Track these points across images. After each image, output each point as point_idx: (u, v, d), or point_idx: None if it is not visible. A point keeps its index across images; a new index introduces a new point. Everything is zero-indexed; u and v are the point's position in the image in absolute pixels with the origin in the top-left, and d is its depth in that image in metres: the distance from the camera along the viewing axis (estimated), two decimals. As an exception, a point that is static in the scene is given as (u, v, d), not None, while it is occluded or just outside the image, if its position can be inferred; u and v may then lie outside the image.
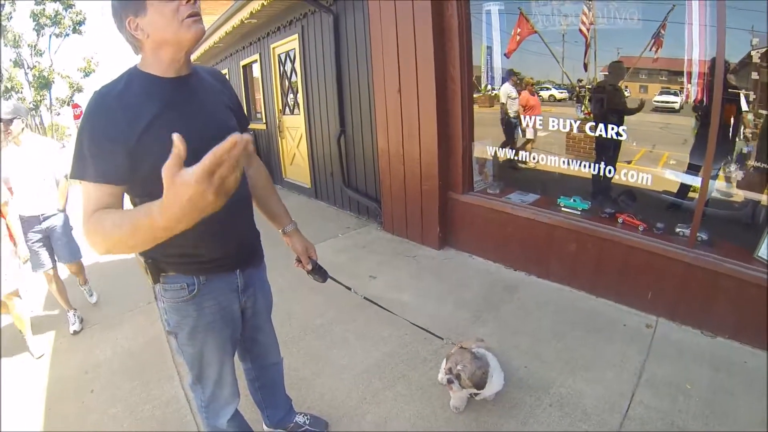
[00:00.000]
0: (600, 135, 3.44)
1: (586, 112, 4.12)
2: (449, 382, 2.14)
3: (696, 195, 3.08)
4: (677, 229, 3.16)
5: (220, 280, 1.48)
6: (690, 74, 3.38)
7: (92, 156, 1.17)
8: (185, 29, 1.22)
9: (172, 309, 1.44)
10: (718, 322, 2.87)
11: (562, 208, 3.72)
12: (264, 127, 8.12)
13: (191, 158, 1.20)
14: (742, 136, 3.35)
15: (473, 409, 2.32)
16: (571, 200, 3.69)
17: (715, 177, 3.28)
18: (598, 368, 2.61)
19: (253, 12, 6.16)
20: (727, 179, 3.37)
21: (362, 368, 2.69)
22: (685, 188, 3.51)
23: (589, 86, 4.18)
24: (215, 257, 1.43)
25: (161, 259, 1.38)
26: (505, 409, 2.32)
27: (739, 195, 3.37)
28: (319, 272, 1.85)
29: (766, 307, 2.56)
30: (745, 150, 3.35)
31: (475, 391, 2.16)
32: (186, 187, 0.86)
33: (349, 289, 2.05)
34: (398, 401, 2.41)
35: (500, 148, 4.15)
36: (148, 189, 1.24)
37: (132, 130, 1.18)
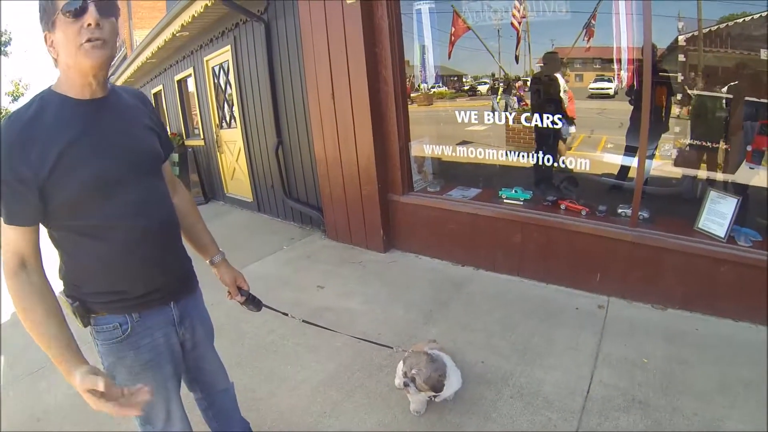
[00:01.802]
0: (537, 125, 3.47)
1: (523, 104, 4.18)
2: (405, 385, 2.08)
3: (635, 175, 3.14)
4: (619, 210, 3.22)
5: (155, 315, 1.39)
6: (620, 61, 3.48)
7: (1, 194, 1.11)
8: (82, 55, 1.12)
9: (107, 351, 1.34)
10: (667, 294, 2.94)
11: (505, 200, 3.72)
12: (202, 143, 7.83)
13: (110, 187, 1.23)
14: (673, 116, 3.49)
15: (435, 410, 2.25)
16: (513, 191, 3.71)
17: (652, 157, 3.37)
18: (555, 354, 2.60)
19: (184, 24, 5.94)
20: (663, 157, 3.48)
21: (318, 381, 2.57)
22: (624, 170, 3.60)
23: (502, 79, 4.33)
24: (146, 292, 1.34)
25: (89, 300, 1.29)
26: (467, 406, 2.27)
27: (676, 172, 3.49)
28: (252, 302, 1.78)
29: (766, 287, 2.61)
30: (678, 129, 3.48)
31: (433, 393, 2.10)
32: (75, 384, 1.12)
33: (286, 314, 1.95)
34: (358, 411, 2.32)
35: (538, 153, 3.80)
36: (62, 222, 1.21)
37: (42, 164, 1.11)
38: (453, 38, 4.01)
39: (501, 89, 4.36)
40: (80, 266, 1.28)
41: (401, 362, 2.34)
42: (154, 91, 9.80)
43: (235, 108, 6.40)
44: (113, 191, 1.22)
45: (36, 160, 1.10)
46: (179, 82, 8.35)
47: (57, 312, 1.18)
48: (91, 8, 1.11)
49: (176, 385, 1.50)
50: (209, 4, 5.16)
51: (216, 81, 6.92)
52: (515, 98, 4.29)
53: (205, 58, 6.86)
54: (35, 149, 1.10)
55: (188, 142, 8.38)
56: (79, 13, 1.10)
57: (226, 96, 6.79)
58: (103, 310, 1.30)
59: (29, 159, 1.09)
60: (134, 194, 1.27)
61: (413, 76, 4.39)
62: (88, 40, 1.12)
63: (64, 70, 1.18)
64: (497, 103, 4.31)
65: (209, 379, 1.75)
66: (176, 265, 1.46)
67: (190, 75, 7.61)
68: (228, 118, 6.93)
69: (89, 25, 1.11)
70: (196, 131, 8.19)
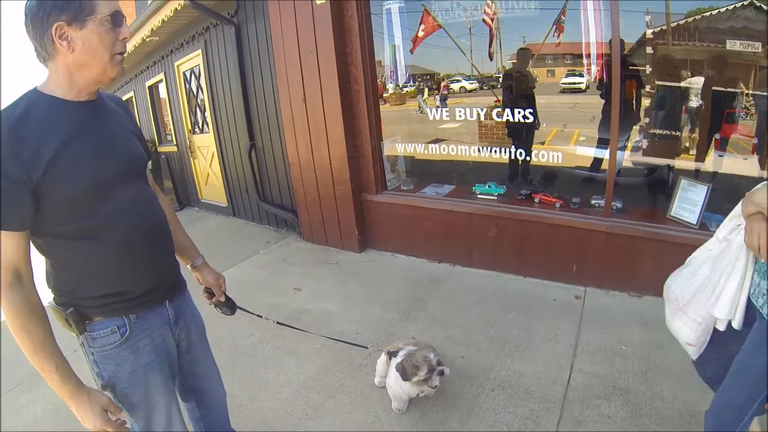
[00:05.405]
0: (509, 120, 3.48)
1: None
2: (441, 374, 2.05)
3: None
4: (593, 201, 3.26)
5: (152, 315, 1.35)
6: (589, 56, 3.52)
7: None
8: (112, 65, 1.15)
9: (105, 358, 1.27)
10: (643, 281, 2.97)
11: (479, 196, 3.73)
12: (175, 149, 7.69)
13: (107, 188, 1.21)
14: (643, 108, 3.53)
15: (417, 407, 2.24)
16: (486, 186, 3.71)
17: (623, 148, 3.42)
18: (535, 346, 2.61)
19: (154, 29, 5.84)
20: (634, 148, 3.53)
21: (299, 384, 2.54)
22: (597, 162, 3.64)
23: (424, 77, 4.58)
24: (143, 292, 1.30)
25: (85, 305, 1.22)
26: (449, 401, 2.26)
27: (647, 162, 3.54)
28: (227, 304, 1.78)
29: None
30: (647, 120, 3.53)
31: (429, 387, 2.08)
32: (83, 406, 1.14)
33: (260, 316, 1.96)
34: (341, 412, 2.30)
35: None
36: (53, 228, 1.15)
37: (37, 163, 1.05)
38: (423, 34, 4.01)
39: (426, 89, 4.64)
40: (74, 271, 1.21)
41: (379, 361, 2.35)
42: (125, 97, 9.59)
43: (207, 113, 6.30)
44: (109, 191, 1.19)
45: (29, 160, 1.04)
46: (150, 87, 8.19)
47: (51, 329, 1.14)
48: (125, 23, 1.16)
49: (174, 388, 1.47)
50: (179, 8, 5.07)
51: (188, 86, 6.80)
52: (438, 97, 4.52)
53: (176, 63, 6.73)
54: (27, 149, 1.04)
55: (161, 149, 8.23)
56: (118, 24, 1.13)
57: (198, 101, 6.68)
58: (99, 314, 1.24)
59: (21, 159, 1.03)
60: (128, 195, 1.25)
61: (384, 76, 4.38)
62: (120, 53, 1.16)
63: (69, 68, 1.13)
64: (423, 101, 4.55)
65: (204, 385, 1.69)
66: (169, 263, 1.44)
67: (161, 80, 7.46)
68: (200, 123, 6.82)
69: (124, 38, 1.16)
70: (169, 137, 8.05)
